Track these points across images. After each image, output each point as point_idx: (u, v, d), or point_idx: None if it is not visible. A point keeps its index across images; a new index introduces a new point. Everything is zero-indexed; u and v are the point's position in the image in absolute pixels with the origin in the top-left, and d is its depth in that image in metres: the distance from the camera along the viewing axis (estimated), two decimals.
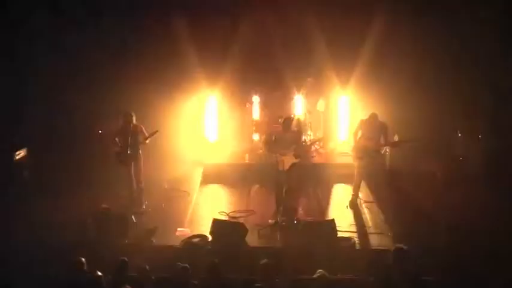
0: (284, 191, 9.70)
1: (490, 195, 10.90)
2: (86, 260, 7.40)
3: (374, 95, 13.22)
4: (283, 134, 9.78)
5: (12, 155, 11.28)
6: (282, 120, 10.24)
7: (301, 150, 9.72)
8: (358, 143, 10.20)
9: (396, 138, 11.82)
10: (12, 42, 12.84)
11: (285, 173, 9.65)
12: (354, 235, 9.25)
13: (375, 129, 10.11)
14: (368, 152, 10.13)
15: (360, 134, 10.23)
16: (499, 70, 12.75)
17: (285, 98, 12.74)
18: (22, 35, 12.87)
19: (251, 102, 13.10)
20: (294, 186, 9.77)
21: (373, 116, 10.16)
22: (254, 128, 12.95)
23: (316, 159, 12.48)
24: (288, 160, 9.60)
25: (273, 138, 9.84)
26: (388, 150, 11.21)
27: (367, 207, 10.44)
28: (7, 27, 12.62)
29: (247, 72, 13.02)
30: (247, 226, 9.29)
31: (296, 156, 9.60)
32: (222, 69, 13.21)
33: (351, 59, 13.13)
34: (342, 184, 11.60)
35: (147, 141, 10.20)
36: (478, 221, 9.55)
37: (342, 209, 10.35)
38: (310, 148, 10.36)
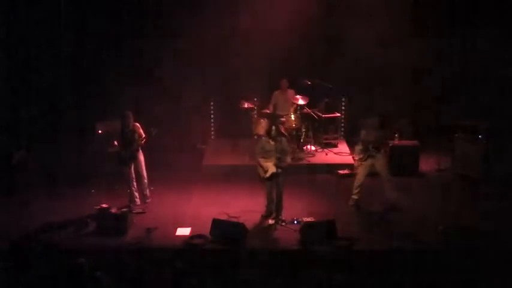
0: (276, 196, 9.73)
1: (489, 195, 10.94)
2: (85, 260, 7.40)
3: (372, 94, 13.26)
4: (268, 141, 9.74)
5: (12, 155, 11.27)
6: (266, 128, 10.27)
7: (286, 160, 9.69)
8: (363, 143, 10.17)
9: (397, 137, 11.87)
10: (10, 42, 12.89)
11: (270, 180, 9.68)
12: (354, 235, 9.24)
13: (377, 130, 10.14)
14: (372, 152, 10.15)
15: (362, 134, 10.20)
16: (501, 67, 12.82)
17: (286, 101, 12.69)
18: (21, 35, 12.91)
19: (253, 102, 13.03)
20: (282, 190, 9.78)
21: (376, 117, 10.17)
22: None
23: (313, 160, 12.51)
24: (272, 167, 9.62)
25: (262, 146, 9.85)
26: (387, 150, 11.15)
27: (367, 207, 10.43)
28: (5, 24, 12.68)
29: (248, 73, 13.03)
30: (247, 226, 9.29)
31: (278, 167, 9.57)
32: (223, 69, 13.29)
33: (348, 58, 13.19)
34: (342, 184, 11.58)
35: (144, 141, 10.18)
36: (477, 222, 9.55)
37: (342, 209, 10.34)
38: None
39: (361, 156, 10.25)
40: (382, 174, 10.27)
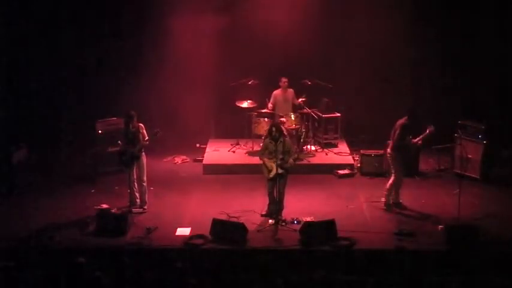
0: (277, 196, 9.71)
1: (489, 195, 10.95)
2: (85, 260, 7.39)
3: (372, 94, 13.28)
4: (271, 142, 9.74)
5: (12, 155, 11.26)
6: (268, 127, 10.26)
7: (288, 161, 9.66)
8: (405, 146, 10.09)
9: None
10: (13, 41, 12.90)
11: (273, 180, 9.68)
12: (354, 235, 9.22)
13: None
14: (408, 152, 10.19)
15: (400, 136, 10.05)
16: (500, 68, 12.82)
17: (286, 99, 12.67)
18: (21, 34, 12.91)
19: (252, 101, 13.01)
20: (283, 191, 9.79)
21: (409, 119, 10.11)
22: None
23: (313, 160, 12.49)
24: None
25: (265, 146, 9.86)
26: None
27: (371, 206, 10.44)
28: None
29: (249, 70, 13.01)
30: (247, 226, 9.29)
31: (280, 168, 9.56)
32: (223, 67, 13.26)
33: (348, 57, 13.19)
34: (342, 184, 11.59)
35: (147, 142, 10.14)
36: (477, 222, 9.55)
37: (342, 209, 10.34)
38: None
39: (402, 154, 10.15)
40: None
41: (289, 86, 12.60)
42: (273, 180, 9.69)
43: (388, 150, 10.30)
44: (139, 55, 13.27)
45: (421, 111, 10.63)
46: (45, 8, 12.91)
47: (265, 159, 9.76)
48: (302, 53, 13.13)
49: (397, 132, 10.03)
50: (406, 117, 10.08)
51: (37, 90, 13.09)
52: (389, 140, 10.11)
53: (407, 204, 10.39)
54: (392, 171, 10.22)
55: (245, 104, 12.70)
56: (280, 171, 9.56)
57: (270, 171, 9.67)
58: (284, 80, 12.49)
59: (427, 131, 9.98)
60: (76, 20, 13.01)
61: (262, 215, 9.94)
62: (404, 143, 10.03)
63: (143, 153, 10.23)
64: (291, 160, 9.77)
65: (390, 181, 10.24)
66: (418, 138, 10.06)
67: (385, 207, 10.26)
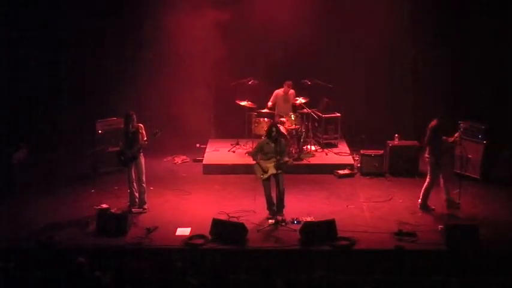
0: (277, 195, 9.70)
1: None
2: (85, 260, 7.40)
3: (372, 94, 13.27)
4: (268, 143, 9.75)
5: (12, 155, 11.27)
6: (266, 128, 10.26)
7: (286, 160, 9.66)
8: (441, 145, 10.07)
9: (397, 137, 11.90)
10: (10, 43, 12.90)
11: (267, 181, 9.68)
12: (354, 235, 9.22)
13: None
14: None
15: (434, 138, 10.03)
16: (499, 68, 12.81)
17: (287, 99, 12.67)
18: (21, 34, 12.91)
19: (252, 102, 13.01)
20: (283, 189, 9.77)
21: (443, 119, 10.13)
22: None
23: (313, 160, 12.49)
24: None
25: (260, 146, 9.86)
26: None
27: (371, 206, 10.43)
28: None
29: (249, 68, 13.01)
30: (247, 226, 9.28)
31: (278, 168, 9.56)
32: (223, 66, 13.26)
33: (349, 57, 13.20)
34: (342, 184, 11.58)
35: (147, 142, 10.13)
36: (477, 222, 9.55)
37: (342, 209, 10.33)
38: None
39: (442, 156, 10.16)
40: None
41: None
42: (267, 180, 9.68)
43: (426, 155, 10.23)
44: (139, 55, 13.27)
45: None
46: (45, 8, 12.90)
47: (260, 160, 9.74)
48: (302, 53, 13.13)
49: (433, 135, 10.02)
50: (436, 120, 10.06)
51: (37, 90, 13.08)
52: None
53: (407, 204, 10.40)
54: (429, 174, 10.17)
55: (244, 103, 12.69)
56: (278, 171, 9.56)
57: (264, 172, 9.66)
58: (289, 83, 12.49)
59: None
60: (76, 20, 13.00)
61: (267, 219, 9.85)
62: (439, 143, 10.02)
63: (141, 153, 10.22)
64: (291, 160, 9.78)
65: (426, 184, 10.19)
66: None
67: (420, 208, 10.21)
